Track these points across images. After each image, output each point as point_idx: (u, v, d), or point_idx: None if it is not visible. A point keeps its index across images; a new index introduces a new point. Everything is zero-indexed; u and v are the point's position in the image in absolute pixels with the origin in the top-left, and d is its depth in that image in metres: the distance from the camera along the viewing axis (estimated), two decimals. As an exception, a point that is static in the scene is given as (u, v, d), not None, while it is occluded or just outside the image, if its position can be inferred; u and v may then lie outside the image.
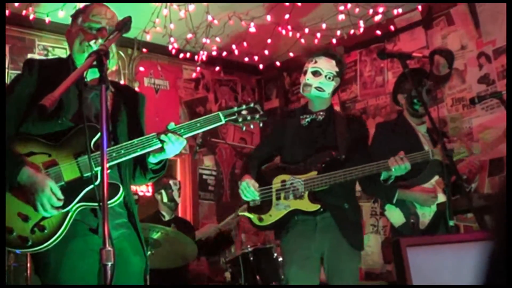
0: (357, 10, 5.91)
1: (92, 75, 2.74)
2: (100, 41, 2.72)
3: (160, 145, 2.67)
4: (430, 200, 4.18)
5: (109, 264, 2.08)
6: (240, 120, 2.78)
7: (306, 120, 3.92)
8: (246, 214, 3.97)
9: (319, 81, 3.83)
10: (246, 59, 7.11)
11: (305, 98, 4.10)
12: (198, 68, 7.05)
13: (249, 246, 5.24)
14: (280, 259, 5.30)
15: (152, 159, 2.78)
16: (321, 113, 3.91)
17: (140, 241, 2.84)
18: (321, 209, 3.71)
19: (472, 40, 5.79)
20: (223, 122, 2.74)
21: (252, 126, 2.85)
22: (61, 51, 6.30)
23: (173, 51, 6.54)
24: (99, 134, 2.56)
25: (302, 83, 3.89)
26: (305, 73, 3.88)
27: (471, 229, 5.15)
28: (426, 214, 4.20)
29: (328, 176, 3.66)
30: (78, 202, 2.62)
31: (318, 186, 3.70)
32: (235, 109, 2.79)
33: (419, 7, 5.99)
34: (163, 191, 5.83)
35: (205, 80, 7.50)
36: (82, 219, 2.66)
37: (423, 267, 1.80)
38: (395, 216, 4.26)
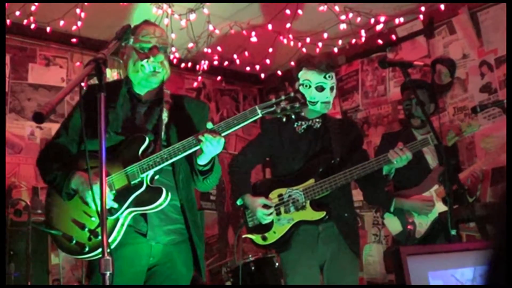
0: (358, 19, 5.90)
1: (144, 89, 2.96)
2: (152, 59, 2.88)
3: (199, 147, 2.71)
4: (426, 208, 4.18)
5: (108, 273, 2.05)
6: (279, 111, 2.70)
7: (302, 127, 3.79)
8: (249, 236, 3.79)
9: (326, 95, 3.69)
10: (248, 68, 7.10)
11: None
12: (200, 78, 7.06)
13: (250, 255, 5.19)
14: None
15: (199, 161, 2.83)
16: (318, 120, 3.79)
17: (193, 251, 2.91)
18: (326, 217, 3.58)
19: (474, 49, 5.77)
20: (260, 115, 2.70)
21: (293, 117, 2.74)
22: (62, 61, 6.30)
23: (175, 61, 6.54)
24: (146, 143, 2.78)
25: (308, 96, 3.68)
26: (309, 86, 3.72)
27: (473, 238, 5.13)
28: (422, 224, 4.19)
29: (329, 181, 3.56)
30: (127, 208, 2.74)
31: (319, 193, 3.58)
32: (273, 100, 2.71)
33: (421, 16, 5.98)
34: None
35: (206, 90, 7.50)
36: (134, 225, 2.78)
37: (423, 277, 1.78)
38: (393, 224, 4.28)
